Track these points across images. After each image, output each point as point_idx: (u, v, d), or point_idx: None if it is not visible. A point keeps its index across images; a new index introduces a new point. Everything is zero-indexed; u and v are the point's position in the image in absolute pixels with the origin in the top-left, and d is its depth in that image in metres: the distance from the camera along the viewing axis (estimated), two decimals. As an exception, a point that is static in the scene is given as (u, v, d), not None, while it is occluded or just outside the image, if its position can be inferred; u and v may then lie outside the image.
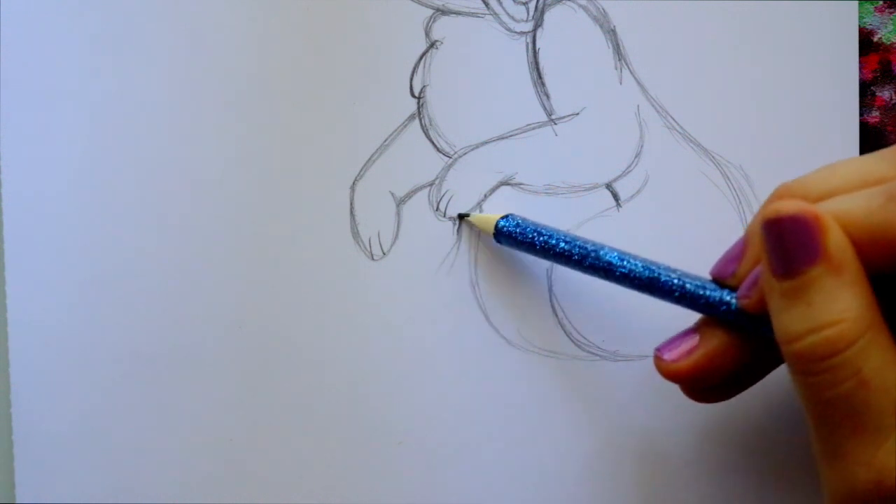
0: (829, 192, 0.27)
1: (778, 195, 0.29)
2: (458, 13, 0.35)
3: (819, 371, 0.25)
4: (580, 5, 0.35)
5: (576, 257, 0.32)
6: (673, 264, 0.34)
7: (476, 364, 0.35)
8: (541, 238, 0.33)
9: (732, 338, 0.30)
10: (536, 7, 0.35)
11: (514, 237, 0.33)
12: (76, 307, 0.35)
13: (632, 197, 0.35)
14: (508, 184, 0.35)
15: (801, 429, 0.35)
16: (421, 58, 0.35)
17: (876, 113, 0.36)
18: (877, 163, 0.28)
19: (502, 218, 0.34)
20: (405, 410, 0.35)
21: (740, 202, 0.35)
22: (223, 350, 0.35)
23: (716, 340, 0.30)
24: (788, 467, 0.35)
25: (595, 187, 0.35)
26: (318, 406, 0.35)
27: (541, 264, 0.35)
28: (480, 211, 0.35)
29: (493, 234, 0.34)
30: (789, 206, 0.26)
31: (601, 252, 0.32)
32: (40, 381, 0.35)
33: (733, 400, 0.32)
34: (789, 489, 0.35)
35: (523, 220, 0.34)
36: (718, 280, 0.30)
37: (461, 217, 0.35)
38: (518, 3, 0.35)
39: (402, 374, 0.35)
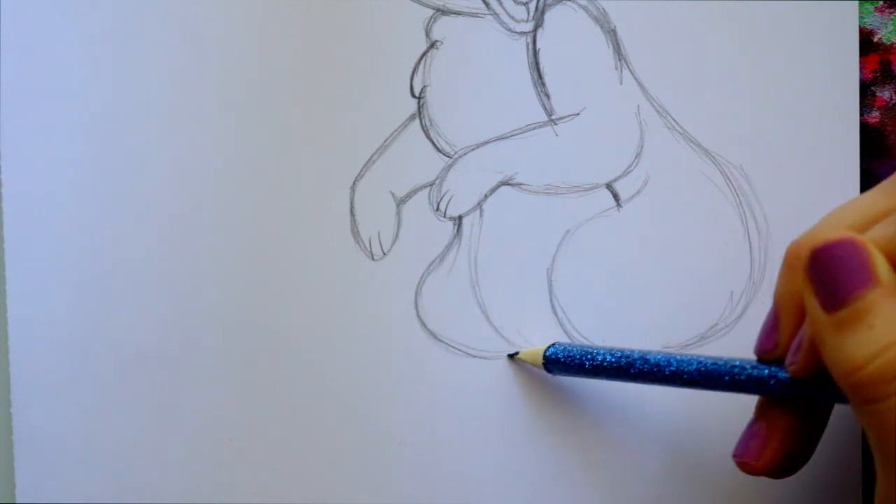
0: None
1: (799, 246, 0.28)
2: (458, 13, 0.35)
3: (891, 393, 0.24)
4: (580, 5, 0.35)
5: (623, 365, 0.32)
6: (673, 265, 0.34)
7: (476, 364, 0.35)
8: (588, 357, 0.33)
9: (795, 415, 0.30)
10: (537, 7, 0.35)
11: (565, 362, 0.33)
12: (76, 307, 0.35)
13: (632, 197, 0.35)
14: (508, 184, 0.35)
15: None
16: (421, 58, 0.35)
17: (876, 113, 0.36)
18: (878, 198, 0.28)
19: (549, 348, 0.34)
20: (405, 410, 0.35)
21: (740, 202, 0.35)
22: (223, 350, 0.35)
23: (782, 423, 0.30)
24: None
25: (595, 187, 0.35)
26: (317, 406, 0.35)
27: (541, 264, 0.35)
28: (480, 212, 0.35)
29: (542, 363, 0.34)
30: (835, 234, 0.26)
31: (648, 356, 0.31)
32: (40, 381, 0.35)
33: (733, 398, 0.32)
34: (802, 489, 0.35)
35: (569, 344, 0.34)
36: (764, 357, 0.30)
37: (511, 357, 0.35)
38: (518, 3, 0.35)
39: (402, 373, 0.35)
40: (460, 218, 0.36)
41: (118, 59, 0.35)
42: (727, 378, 0.30)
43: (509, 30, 0.35)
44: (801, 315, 0.28)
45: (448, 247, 0.36)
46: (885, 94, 0.36)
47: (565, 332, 0.35)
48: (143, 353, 0.35)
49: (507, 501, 0.35)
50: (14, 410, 0.35)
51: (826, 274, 0.26)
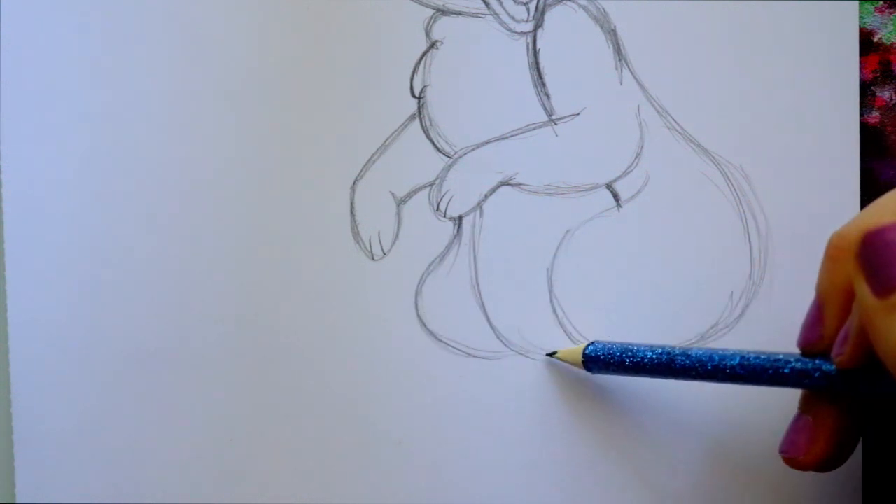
0: None
1: (842, 236, 0.28)
2: (458, 13, 0.35)
3: None
4: (580, 5, 0.35)
5: (665, 362, 0.31)
6: (673, 265, 0.34)
7: (476, 364, 0.35)
8: (629, 354, 0.32)
9: (840, 407, 0.30)
10: (537, 7, 0.35)
11: (605, 360, 0.33)
12: (76, 307, 0.35)
13: (632, 197, 0.35)
14: (508, 184, 0.35)
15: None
16: (421, 58, 0.35)
17: (876, 113, 0.36)
18: None
19: (588, 346, 0.34)
20: (405, 410, 0.35)
21: (740, 202, 0.35)
22: (223, 350, 0.35)
23: (828, 416, 0.30)
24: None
25: (595, 187, 0.35)
26: (317, 406, 0.35)
27: (541, 264, 0.35)
28: (480, 212, 0.35)
29: (582, 362, 0.34)
30: (886, 219, 0.26)
31: (689, 352, 0.31)
32: (40, 381, 0.35)
33: (734, 403, 0.32)
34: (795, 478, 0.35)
35: (608, 342, 0.33)
36: (808, 350, 0.30)
37: (549, 355, 0.35)
38: (518, 3, 0.35)
39: (402, 373, 0.35)
40: (460, 218, 0.36)
41: (118, 59, 0.35)
42: (771, 372, 0.30)
43: (509, 30, 0.35)
44: (846, 306, 0.28)
45: (448, 247, 0.36)
46: (885, 94, 0.36)
47: (565, 332, 0.35)
48: (143, 353, 0.35)
49: (507, 501, 0.35)
50: (14, 410, 0.35)
51: (877, 258, 0.26)
